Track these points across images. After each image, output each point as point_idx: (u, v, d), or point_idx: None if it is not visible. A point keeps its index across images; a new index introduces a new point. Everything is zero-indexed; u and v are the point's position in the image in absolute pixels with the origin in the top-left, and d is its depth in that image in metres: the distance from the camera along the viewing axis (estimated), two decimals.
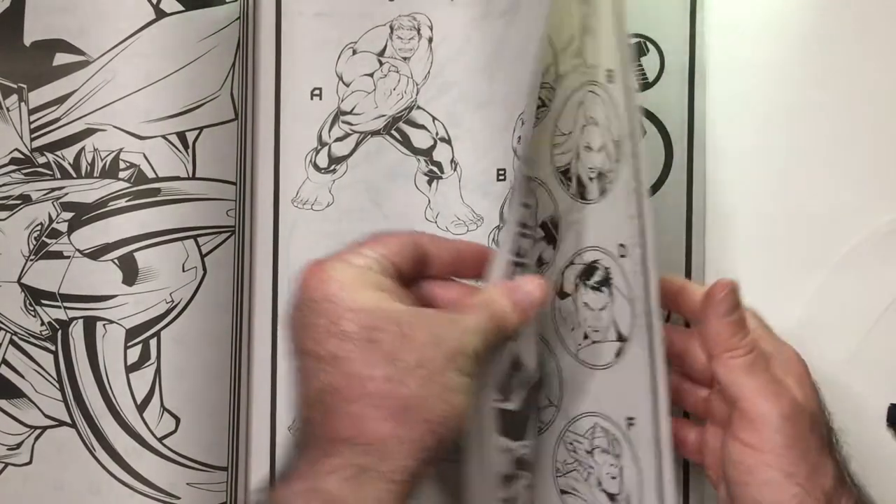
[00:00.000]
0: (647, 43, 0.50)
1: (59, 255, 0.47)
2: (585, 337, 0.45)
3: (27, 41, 0.47)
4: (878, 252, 0.48)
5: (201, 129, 0.47)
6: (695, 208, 0.49)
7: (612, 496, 0.45)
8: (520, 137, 0.46)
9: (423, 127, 0.47)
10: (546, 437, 0.46)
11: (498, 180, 0.46)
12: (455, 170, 0.47)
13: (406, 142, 0.47)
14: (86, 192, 0.46)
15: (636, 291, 0.44)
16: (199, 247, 0.47)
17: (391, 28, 0.47)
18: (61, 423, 0.47)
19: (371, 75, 0.47)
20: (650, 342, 0.43)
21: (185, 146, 0.47)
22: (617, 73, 0.44)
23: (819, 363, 0.47)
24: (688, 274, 0.48)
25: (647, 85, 0.50)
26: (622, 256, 0.44)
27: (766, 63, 0.49)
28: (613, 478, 0.45)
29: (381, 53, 0.47)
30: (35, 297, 0.47)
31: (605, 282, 0.45)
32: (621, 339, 0.45)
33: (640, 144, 0.43)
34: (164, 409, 0.47)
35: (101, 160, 0.46)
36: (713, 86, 0.49)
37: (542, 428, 0.46)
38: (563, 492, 0.46)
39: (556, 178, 0.45)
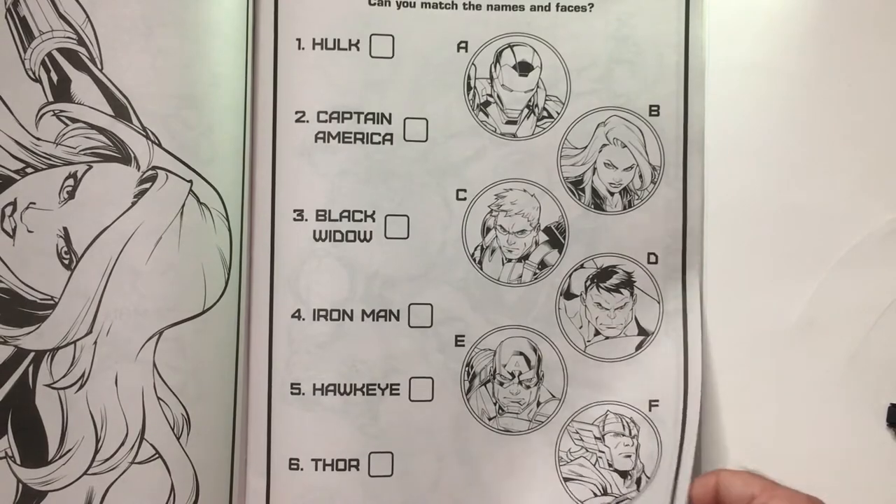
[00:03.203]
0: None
1: None
2: (597, 333, 0.49)
3: None
4: (878, 252, 0.48)
5: None
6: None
7: (623, 473, 0.48)
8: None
9: None
10: (547, 430, 0.48)
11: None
12: None
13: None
14: None
15: (670, 293, 0.49)
16: None
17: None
18: None
19: None
20: (684, 335, 0.48)
21: None
22: (666, 109, 0.49)
23: (819, 363, 0.47)
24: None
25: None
26: (651, 263, 0.48)
27: (765, 63, 0.49)
28: (627, 456, 0.48)
29: None
30: None
31: (626, 284, 0.48)
32: (643, 333, 0.49)
33: (696, 172, 0.49)
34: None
35: None
36: (711, 86, 0.49)
37: (543, 421, 0.48)
38: (566, 479, 0.48)
39: (565, 187, 0.48)
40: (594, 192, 0.49)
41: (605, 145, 0.49)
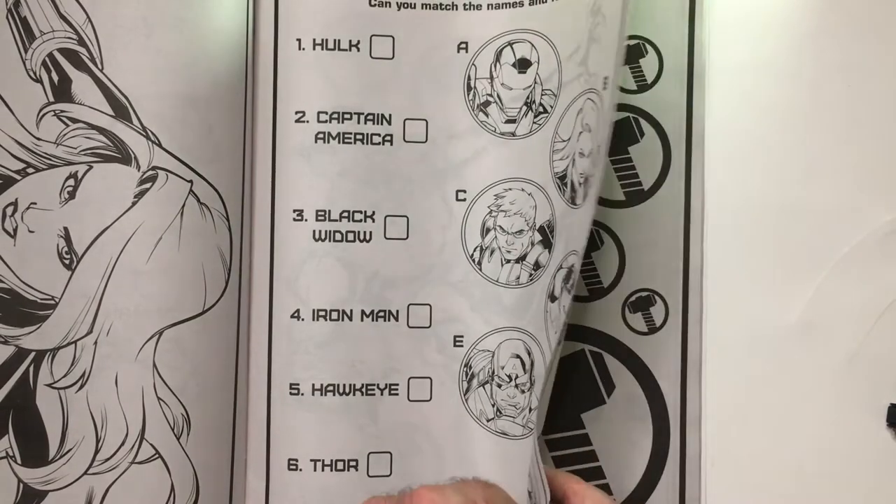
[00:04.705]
0: (646, 44, 0.50)
1: None
2: (559, 342, 0.47)
3: None
4: (878, 252, 0.47)
5: None
6: (693, 210, 0.48)
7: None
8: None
9: None
10: (532, 439, 0.46)
11: None
12: None
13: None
14: None
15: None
16: None
17: None
18: None
19: None
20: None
21: None
22: (610, 79, 0.45)
23: (819, 363, 0.47)
24: (686, 275, 0.48)
25: (645, 87, 0.50)
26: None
27: (765, 63, 0.48)
28: None
29: None
30: None
31: (571, 283, 0.46)
32: None
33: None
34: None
35: None
36: (712, 86, 0.49)
37: (532, 429, 0.46)
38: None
39: (554, 183, 0.47)
40: (571, 185, 0.47)
41: (581, 133, 0.46)
